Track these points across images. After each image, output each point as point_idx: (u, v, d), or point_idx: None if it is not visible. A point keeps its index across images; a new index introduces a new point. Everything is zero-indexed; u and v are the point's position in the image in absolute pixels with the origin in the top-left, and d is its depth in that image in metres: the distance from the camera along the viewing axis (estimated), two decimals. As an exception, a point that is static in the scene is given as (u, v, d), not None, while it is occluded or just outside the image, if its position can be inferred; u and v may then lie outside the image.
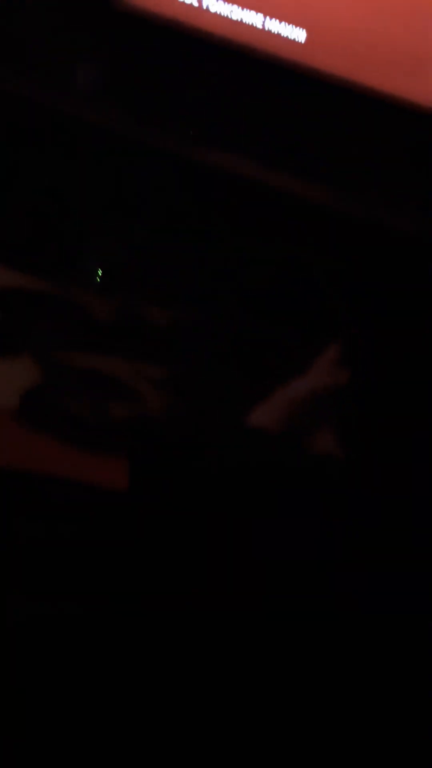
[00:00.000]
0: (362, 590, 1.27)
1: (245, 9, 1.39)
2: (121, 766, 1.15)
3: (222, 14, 1.39)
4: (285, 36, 1.40)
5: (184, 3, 1.38)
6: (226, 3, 1.39)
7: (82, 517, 1.16)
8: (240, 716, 1.19)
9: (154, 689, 1.16)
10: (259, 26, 1.40)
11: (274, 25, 1.40)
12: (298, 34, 1.40)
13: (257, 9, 1.39)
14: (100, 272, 1.38)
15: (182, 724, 1.16)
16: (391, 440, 1.35)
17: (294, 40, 1.40)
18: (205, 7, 1.39)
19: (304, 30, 1.40)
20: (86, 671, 1.15)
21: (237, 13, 1.39)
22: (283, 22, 1.40)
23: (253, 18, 1.40)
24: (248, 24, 1.40)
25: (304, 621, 1.24)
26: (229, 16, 1.39)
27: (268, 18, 1.40)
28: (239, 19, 1.40)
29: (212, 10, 1.39)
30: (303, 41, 1.41)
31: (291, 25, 1.40)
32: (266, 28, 1.40)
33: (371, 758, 1.23)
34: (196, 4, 1.38)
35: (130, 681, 1.16)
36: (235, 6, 1.39)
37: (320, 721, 1.22)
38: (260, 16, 1.40)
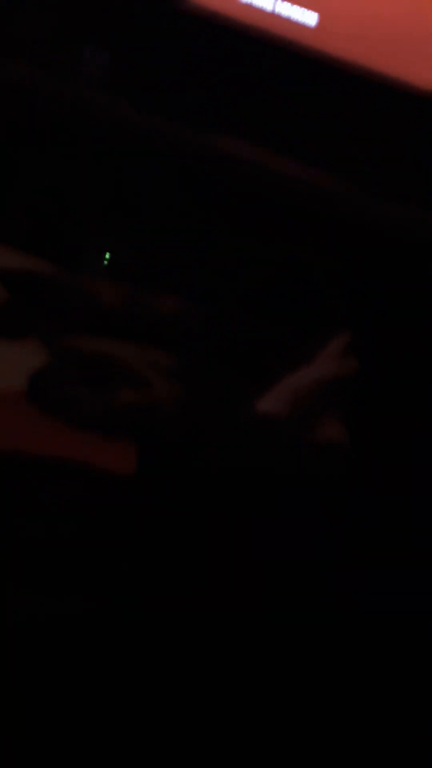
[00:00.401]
0: (362, 590, 1.28)
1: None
2: (121, 765, 1.15)
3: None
4: (295, 20, 1.38)
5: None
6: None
7: (89, 501, 1.17)
8: (240, 715, 1.20)
9: (153, 684, 1.17)
10: (270, 9, 1.38)
11: (285, 9, 1.38)
12: (309, 18, 1.39)
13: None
14: (108, 256, 1.39)
15: (182, 722, 1.17)
16: (393, 436, 1.35)
17: (305, 24, 1.38)
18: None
19: (316, 13, 1.39)
20: (84, 664, 1.15)
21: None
22: (294, 6, 1.38)
23: (263, 1, 1.38)
24: (258, 6, 1.37)
25: (304, 619, 1.25)
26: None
27: (278, 1, 1.38)
28: (249, 2, 1.37)
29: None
30: (314, 25, 1.39)
31: (302, 9, 1.38)
32: (276, 12, 1.38)
33: (371, 758, 1.23)
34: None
35: (128, 675, 1.16)
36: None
37: (320, 720, 1.23)
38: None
